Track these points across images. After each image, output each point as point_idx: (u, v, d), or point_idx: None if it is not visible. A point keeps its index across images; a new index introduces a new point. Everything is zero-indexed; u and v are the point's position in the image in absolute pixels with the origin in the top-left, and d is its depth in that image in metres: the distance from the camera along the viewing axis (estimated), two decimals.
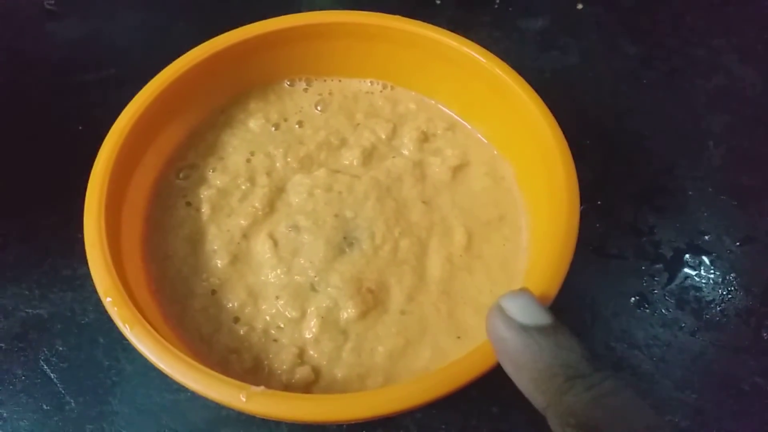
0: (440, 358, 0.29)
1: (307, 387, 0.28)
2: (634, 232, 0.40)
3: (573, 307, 0.36)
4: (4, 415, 0.32)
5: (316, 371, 0.29)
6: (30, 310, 0.36)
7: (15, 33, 0.48)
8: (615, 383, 0.20)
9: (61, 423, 0.32)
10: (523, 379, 0.22)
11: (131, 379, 0.33)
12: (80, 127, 0.42)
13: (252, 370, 0.29)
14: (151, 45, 0.48)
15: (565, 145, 0.31)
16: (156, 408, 0.33)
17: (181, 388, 0.33)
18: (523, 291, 0.24)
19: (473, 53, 0.34)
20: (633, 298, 0.37)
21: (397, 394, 0.24)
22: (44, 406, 0.33)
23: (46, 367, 0.34)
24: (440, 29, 0.35)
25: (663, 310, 0.37)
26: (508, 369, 0.22)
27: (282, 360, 0.29)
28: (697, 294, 0.38)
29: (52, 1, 0.50)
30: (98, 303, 0.35)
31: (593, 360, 0.21)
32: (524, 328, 0.22)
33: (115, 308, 0.26)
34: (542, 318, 0.22)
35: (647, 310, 0.37)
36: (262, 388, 0.24)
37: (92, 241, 0.28)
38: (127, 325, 0.25)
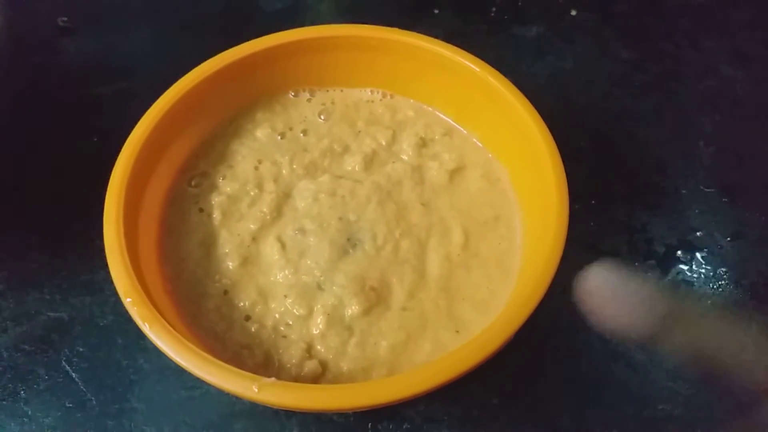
0: (440, 351, 0.31)
1: (316, 379, 0.30)
2: (627, 229, 0.41)
3: (569, 302, 0.38)
4: (29, 413, 0.34)
5: (324, 365, 0.30)
6: (51, 314, 0.37)
7: (30, 49, 0.50)
8: None
9: (83, 419, 0.34)
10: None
11: (148, 377, 0.35)
12: (95, 139, 0.44)
13: (263, 364, 0.30)
14: (161, 59, 0.49)
15: (555, 148, 0.32)
16: (173, 404, 0.34)
17: (196, 385, 0.35)
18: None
19: (467, 63, 0.35)
20: None
21: (401, 383, 0.25)
22: (67, 404, 0.34)
23: (68, 367, 0.35)
24: (437, 40, 0.37)
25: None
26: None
27: (291, 355, 0.30)
28: (689, 288, 0.39)
29: (66, 18, 0.51)
30: (116, 306, 0.37)
31: None
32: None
33: (135, 308, 0.27)
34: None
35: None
36: (273, 379, 0.25)
37: (111, 246, 0.29)
38: (146, 324, 0.27)
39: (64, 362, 0.35)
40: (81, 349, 0.36)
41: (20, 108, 0.46)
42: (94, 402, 0.34)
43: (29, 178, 0.43)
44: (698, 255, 0.40)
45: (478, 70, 0.35)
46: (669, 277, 0.39)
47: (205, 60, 0.36)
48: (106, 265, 0.29)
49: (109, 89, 0.47)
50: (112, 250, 0.29)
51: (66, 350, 0.36)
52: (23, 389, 0.35)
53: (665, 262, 0.40)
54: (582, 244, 0.40)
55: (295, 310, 0.32)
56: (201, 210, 0.35)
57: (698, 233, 0.41)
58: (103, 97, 0.47)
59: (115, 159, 0.32)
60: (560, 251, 0.29)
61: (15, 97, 0.47)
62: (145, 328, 0.27)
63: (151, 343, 0.35)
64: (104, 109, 0.46)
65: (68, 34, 0.51)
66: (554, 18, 0.52)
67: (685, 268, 0.40)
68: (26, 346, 0.36)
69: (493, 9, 0.53)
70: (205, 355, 0.26)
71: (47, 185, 0.42)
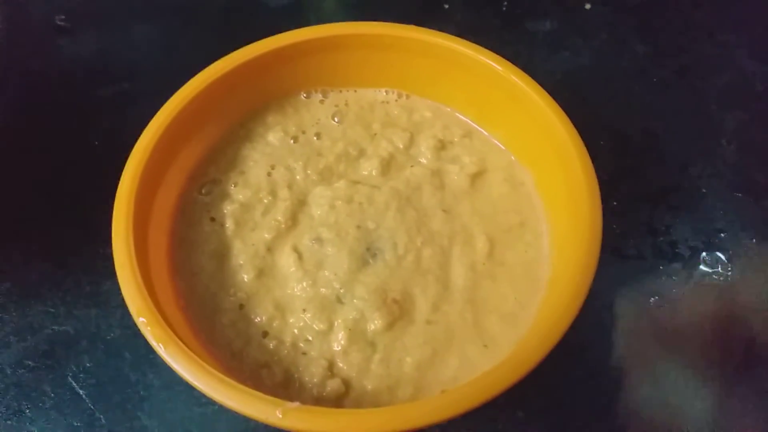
0: (468, 367, 0.29)
1: (338, 400, 0.29)
2: (650, 232, 0.40)
3: (593, 308, 0.37)
4: None
5: (347, 383, 0.29)
6: (56, 327, 0.36)
7: (27, 50, 0.48)
8: None
9: None
10: None
11: (159, 393, 0.34)
12: (96, 143, 0.42)
13: (283, 383, 0.29)
14: (162, 59, 0.48)
15: (584, 150, 0.31)
16: (185, 421, 0.33)
17: (208, 401, 0.34)
18: None
19: (489, 61, 0.34)
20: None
21: (434, 407, 0.24)
22: (75, 423, 0.33)
23: (74, 384, 0.34)
24: (455, 38, 0.35)
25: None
26: None
27: (312, 373, 0.29)
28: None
29: (63, 17, 0.50)
30: (123, 318, 0.36)
31: None
32: None
33: (149, 328, 0.26)
34: None
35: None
36: (297, 404, 0.24)
37: (122, 262, 0.28)
38: (161, 345, 0.26)
39: (70, 378, 0.34)
40: (88, 365, 0.35)
41: (19, 112, 0.45)
42: (103, 420, 0.33)
43: (29, 185, 0.41)
44: (724, 257, 0.39)
45: (500, 69, 0.34)
46: (695, 280, 0.38)
47: (208, 58, 0.35)
48: (111, 274, 0.28)
49: (110, 90, 0.46)
50: (123, 266, 0.28)
51: (72, 366, 0.35)
52: (28, 408, 0.33)
53: (691, 265, 0.39)
54: (605, 248, 0.38)
55: (314, 325, 0.30)
56: (213, 219, 0.34)
57: (723, 234, 0.40)
58: (103, 99, 0.45)
59: (118, 163, 0.31)
60: (596, 260, 0.28)
61: (13, 101, 0.45)
62: (160, 350, 0.26)
63: (160, 357, 0.34)
64: (105, 112, 0.45)
65: (66, 33, 0.49)
66: (568, 12, 0.51)
67: (711, 270, 0.38)
68: (30, 362, 0.35)
69: (505, 3, 0.51)
70: (225, 377, 0.25)
71: (48, 192, 0.41)
